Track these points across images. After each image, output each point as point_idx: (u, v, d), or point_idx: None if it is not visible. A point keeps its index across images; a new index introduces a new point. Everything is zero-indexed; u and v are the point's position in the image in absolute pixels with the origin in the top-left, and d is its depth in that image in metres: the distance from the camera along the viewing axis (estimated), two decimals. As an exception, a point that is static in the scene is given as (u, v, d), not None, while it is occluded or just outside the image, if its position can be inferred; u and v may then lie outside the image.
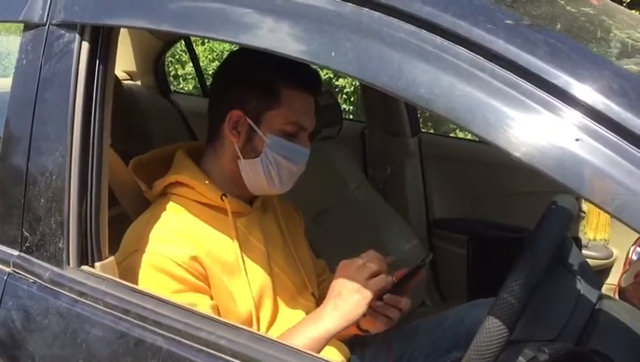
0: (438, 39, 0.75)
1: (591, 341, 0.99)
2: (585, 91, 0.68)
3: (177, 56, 5.13)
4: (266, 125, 1.17)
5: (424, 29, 0.76)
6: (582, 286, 1.05)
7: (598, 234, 1.73)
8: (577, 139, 0.68)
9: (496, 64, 0.72)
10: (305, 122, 1.19)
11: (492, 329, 0.93)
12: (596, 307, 1.04)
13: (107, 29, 1.02)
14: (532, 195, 2.18)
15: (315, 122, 1.22)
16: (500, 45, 0.72)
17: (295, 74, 1.17)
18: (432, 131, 3.83)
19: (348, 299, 1.08)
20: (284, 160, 1.17)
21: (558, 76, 0.69)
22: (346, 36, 0.79)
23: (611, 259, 2.01)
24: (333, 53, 0.80)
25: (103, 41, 1.02)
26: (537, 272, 0.93)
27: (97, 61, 1.02)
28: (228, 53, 5.13)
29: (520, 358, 0.98)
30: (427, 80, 0.74)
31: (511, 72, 0.71)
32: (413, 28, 0.76)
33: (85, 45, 1.01)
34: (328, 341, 1.09)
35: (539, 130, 0.70)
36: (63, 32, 1.03)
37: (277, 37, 0.84)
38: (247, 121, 1.17)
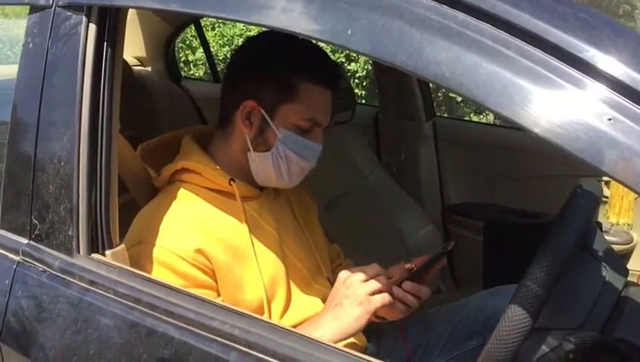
0: (460, 15, 0.71)
1: (617, 329, 0.95)
2: (618, 68, 0.64)
3: (187, 42, 5.10)
4: (280, 119, 1.13)
5: (445, 4, 0.72)
6: (607, 273, 1.01)
7: (621, 218, 1.69)
8: (610, 119, 0.64)
9: (522, 40, 0.68)
10: (320, 118, 1.16)
11: (515, 318, 0.90)
12: (622, 294, 1.01)
13: (115, 10, 0.99)
14: (549, 179, 2.16)
15: (330, 119, 1.19)
16: (526, 20, 0.68)
17: (315, 68, 1.14)
18: (445, 115, 3.78)
19: (349, 311, 1.04)
20: (295, 155, 1.14)
21: (590, 53, 0.65)
22: (362, 14, 0.76)
23: (632, 244, 1.97)
24: (349, 32, 0.76)
25: (110, 23, 0.99)
26: (562, 259, 0.90)
27: (105, 43, 0.99)
28: (238, 37, 5.12)
29: (543, 347, 0.95)
30: (448, 58, 0.71)
31: (538, 48, 0.67)
32: (433, 3, 0.73)
33: (92, 27, 0.98)
34: None
35: (569, 110, 0.66)
36: (69, 13, 1.00)
37: (290, 16, 0.81)
38: (260, 113, 1.13)
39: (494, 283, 1.45)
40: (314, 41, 1.12)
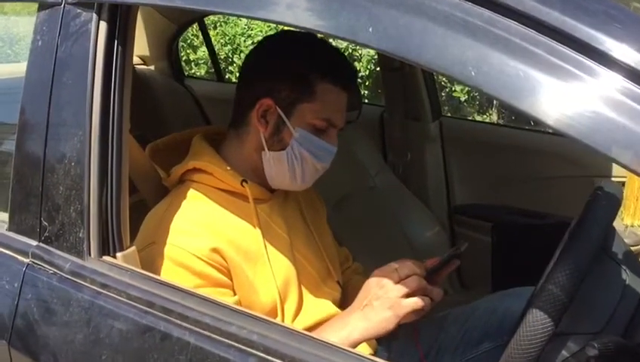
0: (486, 12, 0.69)
1: (638, 334, 0.93)
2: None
3: (189, 41, 5.08)
4: (296, 118, 1.12)
5: (470, 1, 0.70)
6: (627, 276, 0.99)
7: (636, 220, 1.67)
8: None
9: (551, 38, 0.66)
10: (336, 119, 1.15)
11: (536, 323, 0.88)
12: (643, 298, 0.99)
13: (125, 7, 0.97)
14: (557, 180, 2.15)
15: (345, 120, 1.17)
16: (555, 17, 0.66)
17: (332, 68, 1.13)
18: (448, 115, 3.76)
19: (380, 314, 1.02)
20: (310, 155, 1.13)
21: (623, 52, 0.63)
22: (384, 11, 0.74)
23: (640, 246, 1.95)
24: (370, 29, 0.74)
25: (121, 21, 0.97)
26: (584, 262, 0.88)
27: (116, 41, 0.97)
28: (240, 37, 5.10)
29: (563, 352, 0.93)
30: (475, 57, 0.69)
31: (569, 46, 0.65)
32: (457, 0, 0.71)
33: (103, 25, 0.96)
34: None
35: (599, 109, 0.64)
36: (79, 11, 0.98)
37: (308, 14, 0.79)
38: (277, 112, 1.12)
39: (503, 285, 1.43)
40: (331, 41, 1.10)
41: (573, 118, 0.64)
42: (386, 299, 1.02)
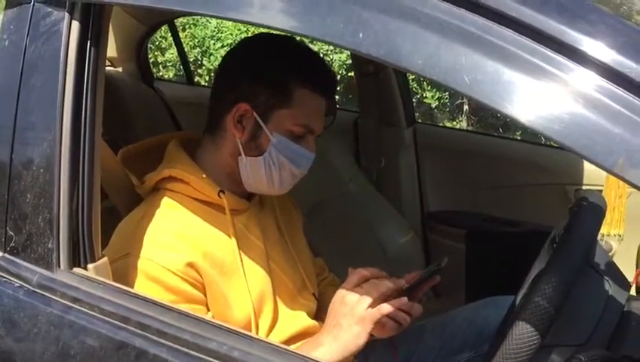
0: (481, 19, 0.68)
1: (623, 345, 0.93)
2: None
3: (157, 43, 5.00)
4: (273, 123, 1.09)
5: (464, 8, 0.68)
6: (610, 287, 1.00)
7: (612, 229, 1.69)
8: None
9: (547, 47, 0.65)
10: (314, 125, 1.12)
11: (522, 335, 0.87)
12: (625, 309, 0.99)
13: (99, 6, 0.93)
14: (531, 188, 2.16)
15: (323, 126, 1.15)
16: (552, 27, 0.65)
17: (312, 74, 1.11)
18: (419, 121, 3.78)
19: (349, 331, 1.02)
20: (288, 161, 1.10)
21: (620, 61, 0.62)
22: (374, 16, 0.71)
23: (611, 254, 1.97)
24: (360, 35, 0.72)
25: (94, 20, 0.93)
26: (571, 274, 0.88)
27: (89, 42, 0.93)
28: (209, 39, 5.04)
29: (548, 364, 0.92)
30: (469, 64, 0.67)
31: (566, 56, 0.64)
32: (450, 6, 0.69)
33: (75, 25, 0.92)
34: None
35: (594, 119, 0.63)
36: (50, 10, 0.94)
37: (297, 18, 0.76)
38: (254, 117, 1.09)
39: (476, 292, 1.44)
40: (312, 46, 1.08)
41: (567, 127, 0.63)
42: (352, 316, 1.02)
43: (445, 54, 0.68)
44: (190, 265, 1.04)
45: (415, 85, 4.26)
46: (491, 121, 4.47)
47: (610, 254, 1.96)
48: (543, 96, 0.64)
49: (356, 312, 1.02)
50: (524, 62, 0.66)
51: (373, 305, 1.02)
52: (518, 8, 0.67)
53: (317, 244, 1.51)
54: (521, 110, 0.66)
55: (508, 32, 0.67)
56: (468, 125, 4.54)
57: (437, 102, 4.42)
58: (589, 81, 0.64)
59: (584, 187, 1.95)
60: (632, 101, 0.62)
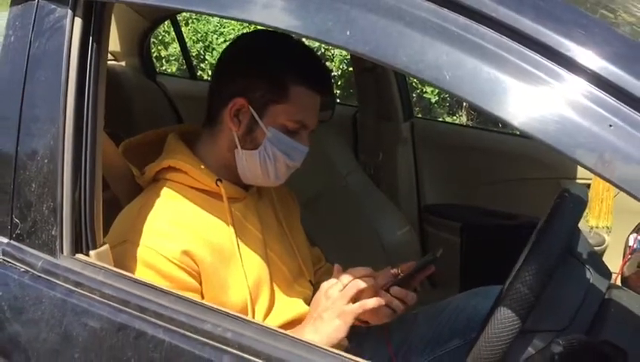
0: (461, 18, 0.71)
1: (602, 331, 0.96)
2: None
3: (160, 37, 5.02)
4: (269, 118, 1.13)
5: (446, 8, 0.72)
6: (591, 275, 1.03)
7: (600, 221, 1.72)
8: (610, 125, 0.65)
9: (525, 46, 0.68)
10: (308, 121, 1.16)
11: (504, 320, 0.91)
12: (606, 297, 1.02)
13: (101, 3, 0.96)
14: (526, 182, 2.18)
15: (317, 121, 1.19)
16: (528, 25, 0.68)
17: (308, 71, 1.14)
18: (419, 116, 3.80)
19: (329, 324, 1.07)
20: (282, 155, 1.14)
21: (590, 59, 0.65)
22: (361, 14, 0.75)
23: (603, 246, 2.00)
24: (348, 33, 0.75)
25: (96, 17, 0.97)
26: (551, 262, 0.91)
27: (91, 38, 0.96)
28: (212, 34, 5.06)
29: (529, 349, 0.96)
30: (450, 62, 0.70)
31: (541, 54, 0.67)
32: (434, 6, 0.72)
33: (78, 21, 0.96)
34: None
35: (572, 115, 0.66)
36: (53, 6, 0.97)
37: (284, 14, 0.79)
38: (250, 111, 1.12)
39: (471, 284, 1.46)
40: (307, 43, 1.11)
41: (541, 121, 0.67)
42: (333, 309, 1.07)
43: (428, 51, 0.72)
44: (187, 253, 1.07)
45: (415, 80, 4.28)
46: (492, 118, 4.47)
47: (602, 247, 2.00)
48: (521, 92, 0.68)
49: (337, 306, 1.06)
50: (502, 60, 0.69)
51: (355, 300, 1.07)
52: (497, 9, 0.70)
53: (315, 236, 1.54)
54: (499, 105, 0.69)
55: (487, 31, 0.70)
56: (467, 120, 4.56)
57: (437, 97, 4.44)
58: (566, 79, 0.67)
59: (577, 180, 1.98)
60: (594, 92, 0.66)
